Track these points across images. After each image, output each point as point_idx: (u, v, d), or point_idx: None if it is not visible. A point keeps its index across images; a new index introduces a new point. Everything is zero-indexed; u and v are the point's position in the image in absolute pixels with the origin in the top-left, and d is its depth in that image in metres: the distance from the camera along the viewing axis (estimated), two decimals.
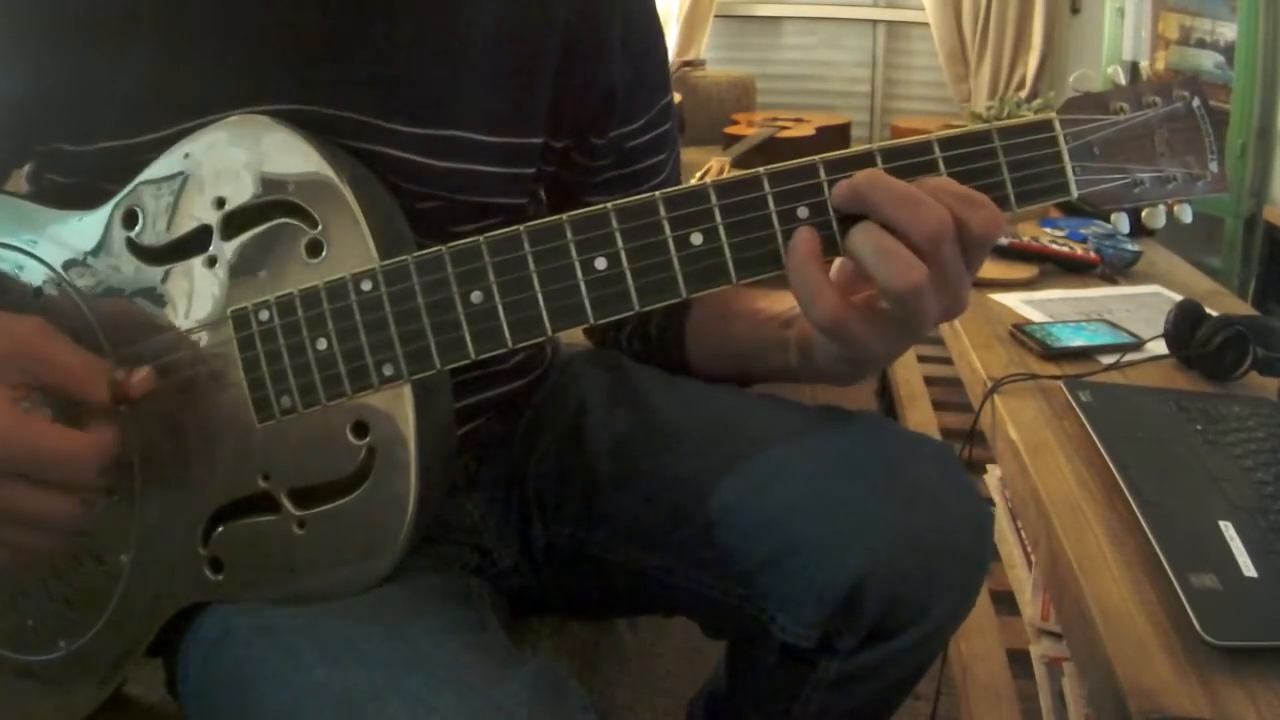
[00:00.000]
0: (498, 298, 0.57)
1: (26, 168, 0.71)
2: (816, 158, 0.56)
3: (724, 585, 0.71)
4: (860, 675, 0.69)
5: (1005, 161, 0.57)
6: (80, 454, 0.54)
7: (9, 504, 0.52)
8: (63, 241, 0.65)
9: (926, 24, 3.21)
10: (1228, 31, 2.13)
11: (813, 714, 0.73)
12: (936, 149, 0.56)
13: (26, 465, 0.52)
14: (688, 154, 2.64)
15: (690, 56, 3.29)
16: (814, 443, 0.69)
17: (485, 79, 0.69)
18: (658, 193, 0.56)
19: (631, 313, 0.57)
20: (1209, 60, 2.17)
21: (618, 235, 0.56)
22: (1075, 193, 0.58)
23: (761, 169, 0.56)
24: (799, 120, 3.00)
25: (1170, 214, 0.61)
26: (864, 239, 0.55)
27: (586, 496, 0.77)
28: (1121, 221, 0.61)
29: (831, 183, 0.56)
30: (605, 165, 0.78)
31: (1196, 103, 0.59)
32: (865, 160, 0.56)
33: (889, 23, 3.37)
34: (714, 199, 0.56)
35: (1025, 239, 1.69)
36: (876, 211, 0.54)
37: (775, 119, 3.02)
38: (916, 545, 0.64)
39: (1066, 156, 0.57)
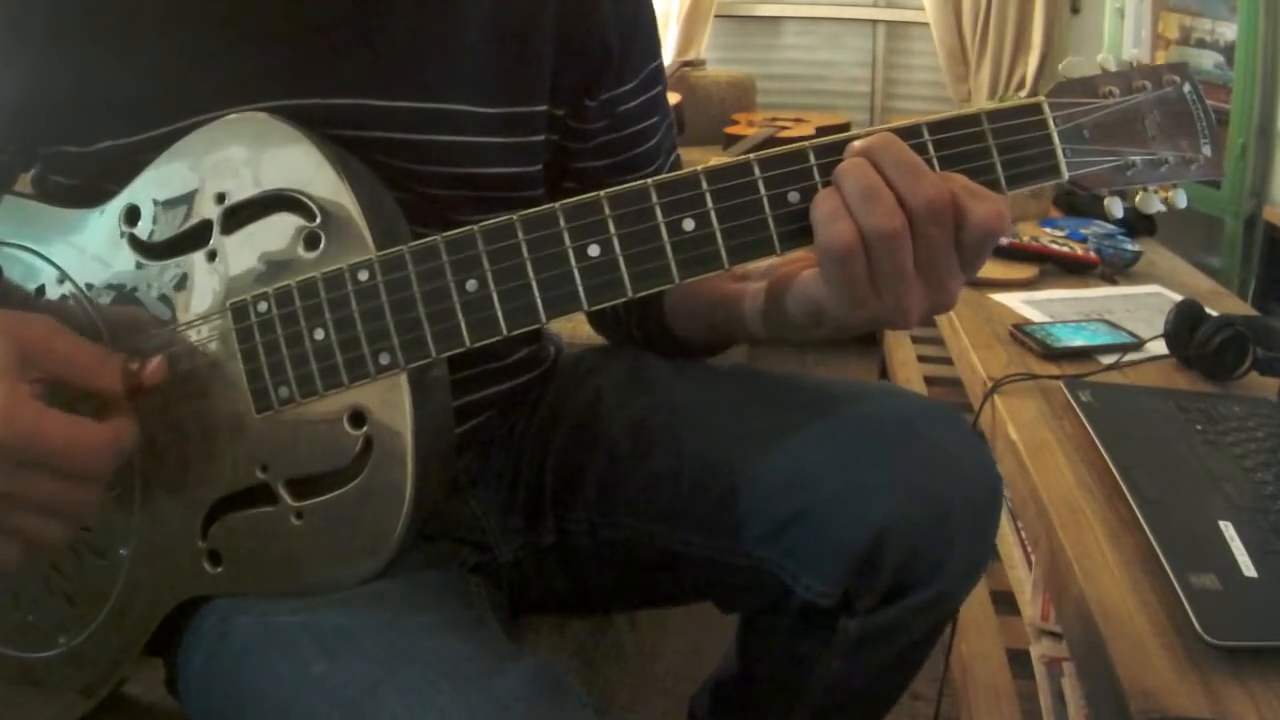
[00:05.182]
0: (492, 286, 0.57)
1: (31, 172, 0.72)
2: (806, 143, 0.56)
3: (746, 550, 0.72)
4: (878, 635, 0.70)
5: (995, 144, 0.57)
6: (97, 444, 0.54)
7: (28, 494, 0.53)
8: (67, 240, 0.65)
9: (926, 24, 3.20)
10: (1228, 31, 2.13)
11: (827, 687, 0.74)
12: (925, 132, 0.56)
13: (45, 456, 0.53)
14: (688, 154, 2.63)
15: (690, 56, 3.28)
16: (832, 408, 0.71)
17: (483, 53, 0.70)
18: (650, 179, 0.56)
19: (625, 299, 0.57)
20: (1209, 60, 2.17)
21: (610, 222, 0.56)
22: (1066, 174, 0.58)
23: (752, 155, 0.56)
24: (799, 120, 2.99)
25: (1165, 202, 0.61)
26: (852, 173, 0.54)
27: (606, 479, 0.77)
28: (1115, 206, 0.61)
29: (821, 167, 0.56)
30: (598, 129, 0.78)
31: (1188, 88, 0.59)
32: None
33: (889, 23, 3.36)
34: (705, 185, 0.56)
35: (1025, 239, 1.69)
36: (880, 171, 0.54)
37: (775, 119, 3.02)
38: (934, 501, 0.66)
39: (1056, 138, 0.57)
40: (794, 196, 0.56)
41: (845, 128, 3.08)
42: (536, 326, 0.58)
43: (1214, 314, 1.23)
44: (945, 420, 0.71)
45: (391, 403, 0.59)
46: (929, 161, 0.56)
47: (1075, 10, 3.08)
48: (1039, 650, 1.29)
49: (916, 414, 0.71)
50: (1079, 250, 1.68)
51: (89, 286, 0.64)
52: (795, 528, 0.69)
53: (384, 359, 0.58)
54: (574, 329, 0.98)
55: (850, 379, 0.77)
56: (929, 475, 0.67)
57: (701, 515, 0.73)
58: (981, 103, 3.15)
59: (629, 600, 0.90)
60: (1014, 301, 1.51)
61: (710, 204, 0.56)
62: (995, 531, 0.73)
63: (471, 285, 0.57)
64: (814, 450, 0.69)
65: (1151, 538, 0.83)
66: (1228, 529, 0.83)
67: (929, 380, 2.17)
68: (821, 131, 2.98)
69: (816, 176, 0.56)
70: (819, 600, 0.69)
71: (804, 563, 0.70)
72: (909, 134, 0.56)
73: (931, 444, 0.68)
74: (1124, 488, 0.91)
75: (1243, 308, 1.60)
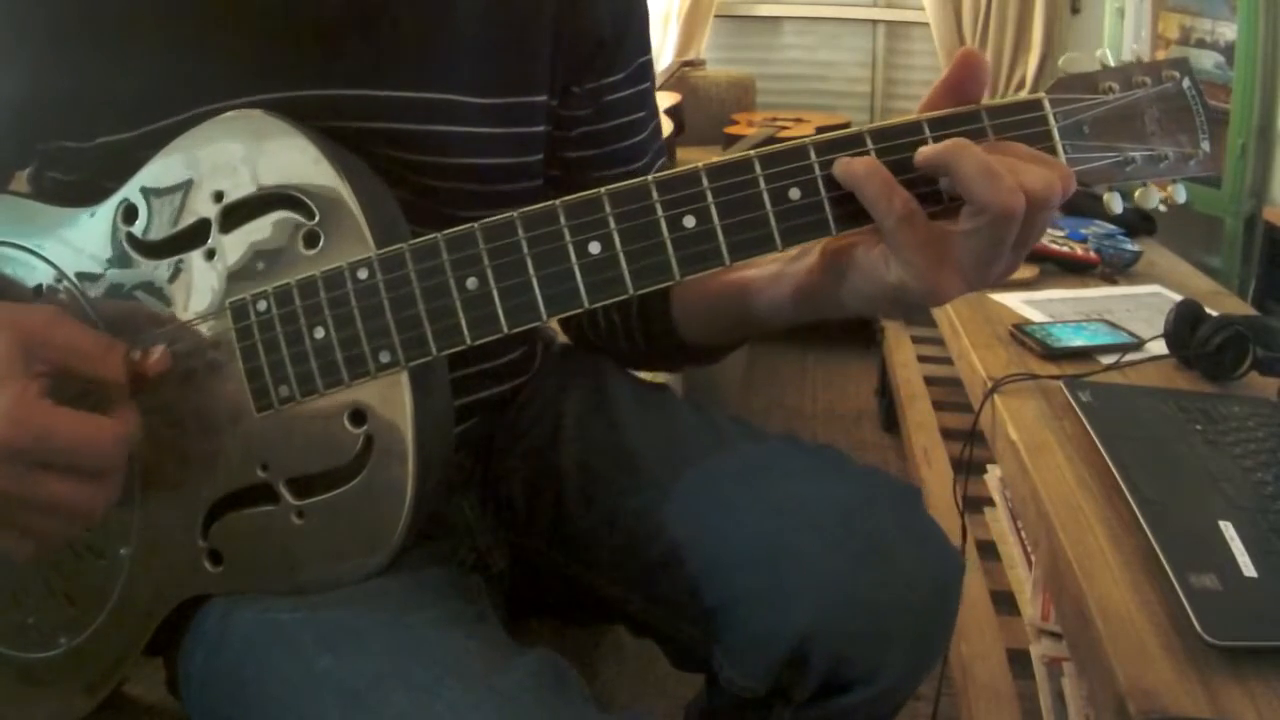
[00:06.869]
0: (493, 283, 0.57)
1: (28, 170, 0.71)
2: (806, 139, 0.56)
3: (678, 623, 0.70)
4: None
5: (994, 140, 0.56)
6: (104, 440, 0.54)
7: (36, 492, 0.53)
8: (64, 239, 0.65)
9: (926, 24, 3.20)
10: (1228, 31, 2.13)
11: None
12: (926, 129, 0.56)
13: (52, 454, 0.52)
14: (687, 154, 2.63)
15: (690, 56, 3.28)
16: (771, 484, 0.68)
17: (482, 43, 0.70)
18: (650, 176, 0.56)
19: (626, 296, 0.57)
20: (1209, 60, 2.17)
21: (611, 219, 0.56)
22: None
23: (753, 151, 0.56)
24: (799, 120, 2.99)
25: (1164, 199, 0.61)
26: (970, 159, 0.52)
27: (554, 514, 0.77)
28: (1114, 202, 0.60)
29: (822, 164, 0.56)
30: (582, 117, 0.78)
31: (1187, 83, 0.59)
32: (855, 142, 0.56)
33: (889, 23, 3.36)
34: (705, 182, 0.56)
35: None
36: (956, 175, 0.53)
37: (775, 119, 3.02)
38: (865, 604, 0.62)
39: (1057, 135, 0.57)
40: (795, 193, 0.56)
41: (845, 128, 3.08)
42: (537, 324, 0.58)
43: (1214, 314, 1.24)
44: (890, 506, 0.66)
45: (392, 400, 0.59)
46: None
47: (1075, 10, 3.08)
48: (1039, 650, 1.29)
49: (860, 500, 0.66)
50: (1079, 250, 1.68)
51: (86, 286, 0.64)
52: (718, 618, 0.66)
53: (384, 357, 0.58)
54: None
55: (802, 441, 0.73)
56: (861, 573, 0.62)
57: (636, 576, 0.71)
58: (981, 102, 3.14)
59: (595, 623, 0.89)
60: (1014, 301, 1.52)
61: (711, 200, 0.56)
62: (947, 627, 0.68)
63: (472, 283, 0.57)
64: (743, 533, 0.65)
65: (1151, 538, 0.83)
66: (1228, 529, 0.83)
67: (929, 380, 2.17)
68: (821, 131, 2.96)
69: (818, 172, 0.56)
70: (743, 693, 0.67)
71: (727, 655, 0.67)
72: (910, 130, 0.56)
73: (869, 537, 0.64)
74: (1124, 488, 0.92)
75: (1243, 308, 1.60)
